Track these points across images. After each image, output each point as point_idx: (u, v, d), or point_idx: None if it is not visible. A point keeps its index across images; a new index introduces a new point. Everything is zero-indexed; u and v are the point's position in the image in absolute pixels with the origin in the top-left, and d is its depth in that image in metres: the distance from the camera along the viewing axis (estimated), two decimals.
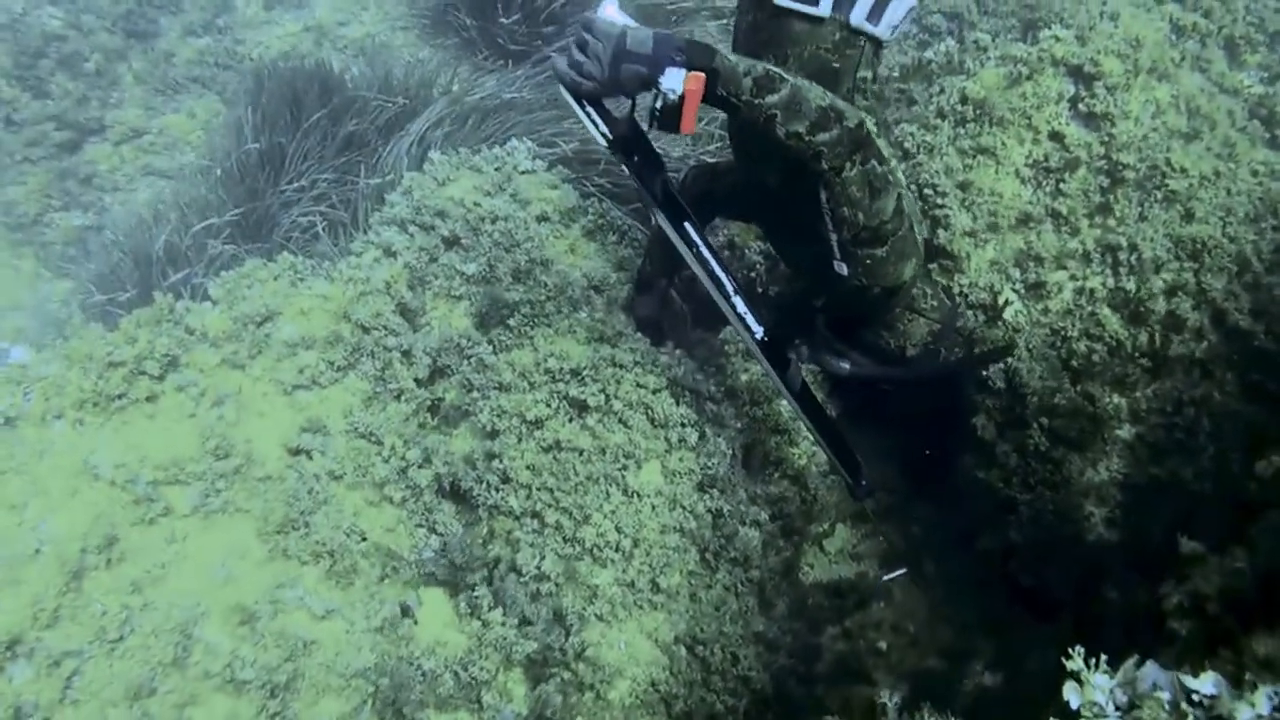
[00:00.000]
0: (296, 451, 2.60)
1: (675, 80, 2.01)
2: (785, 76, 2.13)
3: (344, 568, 2.39)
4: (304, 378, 2.73)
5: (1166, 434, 3.02)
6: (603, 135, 2.21)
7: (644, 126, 2.22)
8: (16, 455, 2.45)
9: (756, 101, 2.11)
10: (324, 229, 4.51)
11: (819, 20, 2.31)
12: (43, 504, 2.41)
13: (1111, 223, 3.11)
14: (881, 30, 2.36)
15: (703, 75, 2.04)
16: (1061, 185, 3.14)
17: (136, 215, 4.98)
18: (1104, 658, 1.36)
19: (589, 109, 2.18)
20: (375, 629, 2.28)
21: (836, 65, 2.39)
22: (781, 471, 3.67)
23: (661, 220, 2.39)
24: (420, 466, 2.64)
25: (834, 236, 2.50)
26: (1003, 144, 3.19)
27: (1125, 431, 3.02)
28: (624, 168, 2.32)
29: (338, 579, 2.38)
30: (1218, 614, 1.45)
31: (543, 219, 3.52)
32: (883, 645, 3.43)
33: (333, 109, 4.79)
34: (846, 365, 2.95)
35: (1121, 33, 3.19)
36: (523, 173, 3.74)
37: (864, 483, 2.96)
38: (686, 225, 2.39)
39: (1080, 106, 3.17)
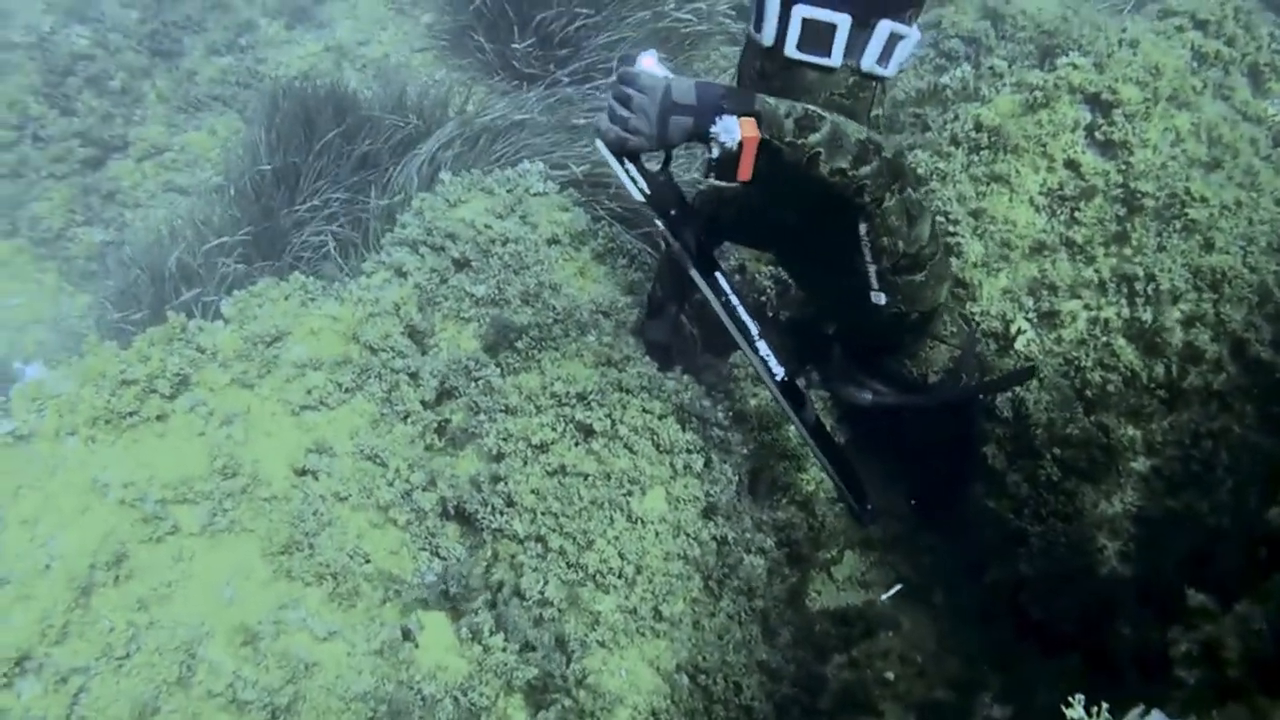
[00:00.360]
0: (302, 472, 2.61)
1: (731, 128, 1.99)
2: (824, 114, 2.13)
3: (346, 590, 2.39)
4: (311, 398, 2.74)
5: (1183, 467, 2.98)
6: (640, 191, 2.19)
7: (693, 177, 2.20)
8: (30, 471, 2.48)
9: (799, 142, 2.10)
10: (335, 248, 4.55)
11: (831, 69, 2.31)
12: (54, 520, 2.43)
13: (1128, 252, 3.08)
14: (890, 71, 2.36)
15: (755, 120, 2.03)
16: (1077, 214, 3.12)
17: (155, 232, 5.05)
18: (1105, 706, 1.34)
19: (628, 165, 2.15)
20: (376, 652, 2.28)
21: (851, 107, 2.39)
22: (789, 497, 3.65)
23: (694, 273, 2.38)
24: (425, 490, 2.65)
25: (873, 267, 2.51)
26: (1017, 171, 3.17)
27: (1140, 464, 2.98)
28: (659, 222, 2.30)
29: (340, 601, 2.38)
30: (1239, 679, 1.42)
31: (553, 241, 3.53)
32: (890, 675, 3.39)
33: (347, 129, 4.85)
34: (869, 396, 2.95)
35: (1141, 60, 3.17)
36: (534, 195, 3.75)
37: (869, 508, 2.94)
38: (718, 275, 2.40)
39: (1097, 134, 3.15)
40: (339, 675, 2.22)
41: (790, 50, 2.26)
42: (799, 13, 2.21)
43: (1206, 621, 1.49)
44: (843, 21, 2.22)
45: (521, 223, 3.57)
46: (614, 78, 2.06)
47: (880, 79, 2.40)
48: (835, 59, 2.28)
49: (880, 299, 2.58)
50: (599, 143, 2.11)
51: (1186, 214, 3.07)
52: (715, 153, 2.04)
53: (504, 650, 2.35)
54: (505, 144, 4.81)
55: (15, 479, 2.45)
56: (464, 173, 3.83)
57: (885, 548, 3.82)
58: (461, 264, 3.40)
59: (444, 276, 3.35)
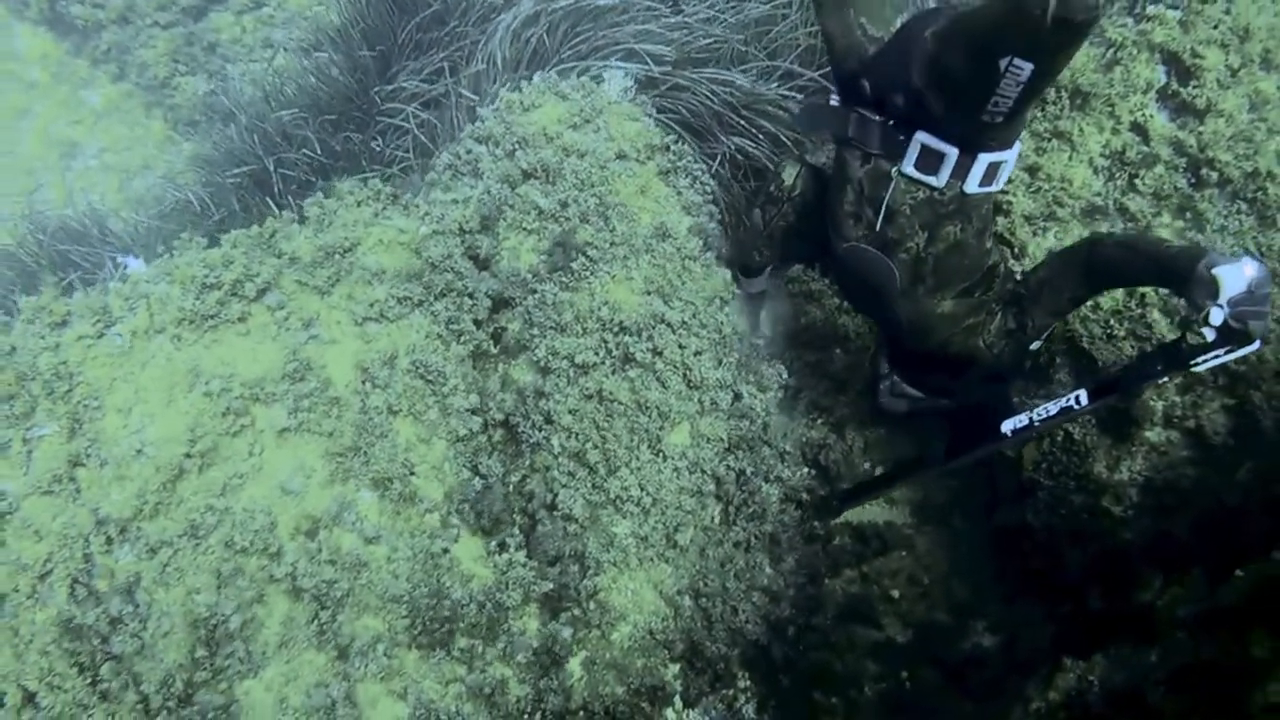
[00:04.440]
0: (362, 382, 2.88)
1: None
2: None
3: (393, 497, 2.70)
4: (373, 311, 2.98)
5: (1199, 440, 3.05)
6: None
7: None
8: (124, 364, 2.81)
9: None
10: (418, 126, 4.65)
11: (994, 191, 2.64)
12: (144, 410, 2.77)
13: (1180, 224, 3.05)
14: None
15: None
16: (1136, 181, 3.07)
17: (250, 92, 5.23)
18: None
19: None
20: (413, 558, 2.61)
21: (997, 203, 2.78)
22: (825, 419, 3.83)
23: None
24: (474, 413, 2.89)
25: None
26: (1081, 130, 3.12)
27: (1155, 434, 3.06)
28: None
29: (387, 507, 2.69)
30: None
31: (620, 156, 3.60)
32: (895, 593, 3.66)
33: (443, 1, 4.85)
34: (904, 404, 3.22)
35: (1231, 20, 3.02)
36: (610, 103, 3.79)
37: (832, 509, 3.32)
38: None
39: (1169, 98, 3.06)
40: (380, 575, 2.56)
41: (971, 188, 2.53)
42: (984, 159, 2.48)
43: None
44: (1012, 156, 2.54)
45: (593, 134, 3.64)
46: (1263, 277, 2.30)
47: None
48: (1001, 184, 2.61)
49: (1036, 344, 2.92)
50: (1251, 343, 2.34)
51: (1262, 188, 2.99)
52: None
53: (524, 566, 2.65)
54: (589, 27, 4.76)
55: (111, 371, 2.79)
56: (541, 74, 3.88)
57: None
58: (530, 174, 3.51)
59: (513, 184, 3.48)
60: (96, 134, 6.11)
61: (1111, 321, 3.08)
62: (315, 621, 2.48)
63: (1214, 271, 2.30)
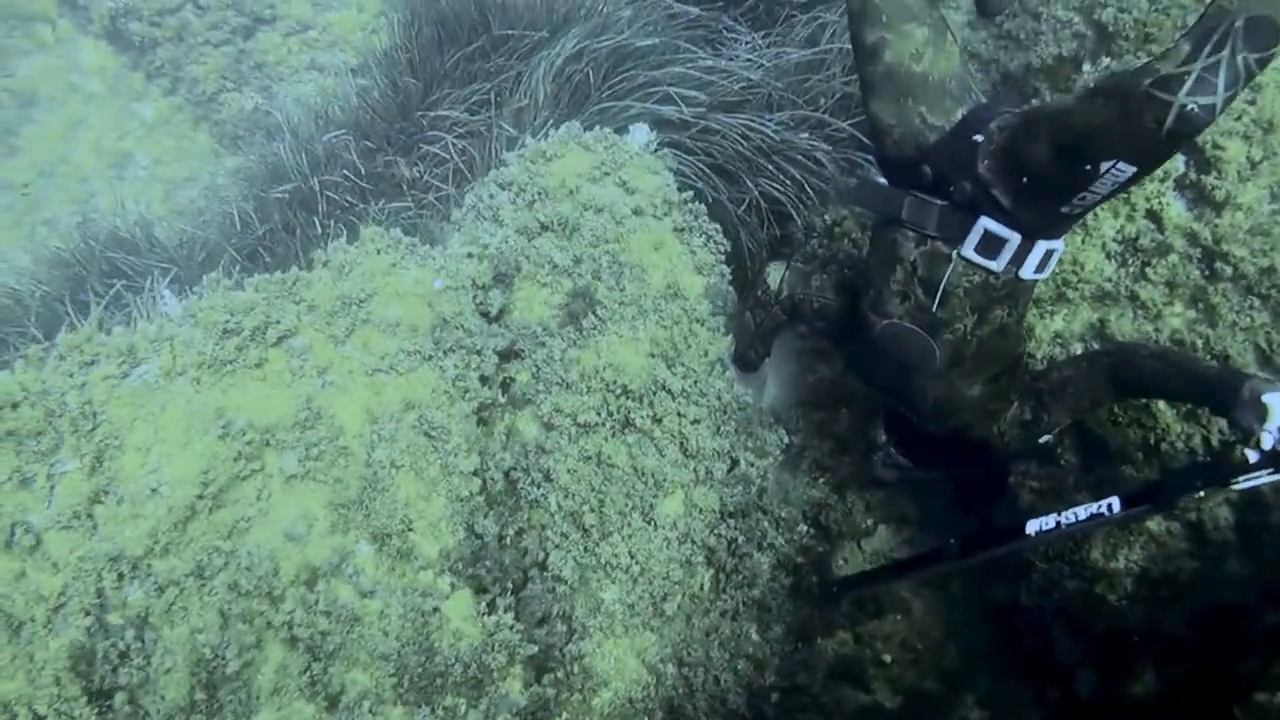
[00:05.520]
0: (368, 434, 2.97)
1: None
2: None
3: (390, 552, 2.79)
4: (384, 363, 3.07)
5: (1199, 534, 3.04)
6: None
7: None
8: (147, 405, 2.93)
9: None
10: (458, 154, 4.76)
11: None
12: (161, 450, 2.89)
13: (1192, 315, 3.02)
14: None
15: None
16: (1148, 269, 3.06)
17: (296, 113, 5.39)
18: None
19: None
20: (404, 614, 2.69)
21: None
22: (827, 479, 3.86)
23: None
24: (475, 474, 2.96)
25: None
26: (1095, 214, 3.11)
27: (1155, 524, 3.05)
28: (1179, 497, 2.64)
29: (383, 562, 2.78)
30: None
31: (637, 212, 3.66)
32: (888, 658, 3.68)
33: (489, 35, 4.95)
34: (894, 473, 3.30)
35: (1256, 112, 2.99)
36: (631, 157, 3.85)
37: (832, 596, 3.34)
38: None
39: (1187, 188, 3.04)
40: (371, 631, 2.65)
41: (1027, 274, 2.59)
42: (1041, 246, 2.55)
43: None
44: (1062, 244, 2.65)
45: (613, 187, 3.70)
46: None
47: None
48: (1050, 270, 2.69)
49: (1047, 438, 2.97)
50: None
51: (1277, 286, 2.95)
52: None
53: (511, 629, 2.72)
54: (631, 66, 4.84)
55: (133, 410, 2.91)
56: (567, 124, 3.94)
57: (918, 525, 4.02)
58: (547, 226, 3.59)
59: (530, 236, 3.56)
60: (147, 146, 6.33)
61: (1115, 407, 3.07)
62: (308, 672, 2.57)
63: (1264, 399, 2.33)
